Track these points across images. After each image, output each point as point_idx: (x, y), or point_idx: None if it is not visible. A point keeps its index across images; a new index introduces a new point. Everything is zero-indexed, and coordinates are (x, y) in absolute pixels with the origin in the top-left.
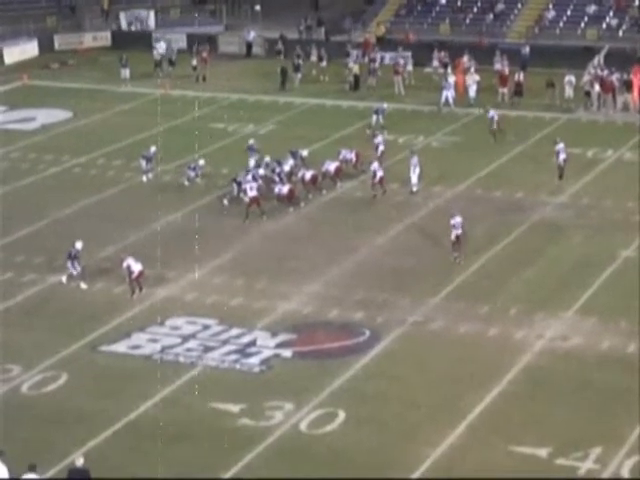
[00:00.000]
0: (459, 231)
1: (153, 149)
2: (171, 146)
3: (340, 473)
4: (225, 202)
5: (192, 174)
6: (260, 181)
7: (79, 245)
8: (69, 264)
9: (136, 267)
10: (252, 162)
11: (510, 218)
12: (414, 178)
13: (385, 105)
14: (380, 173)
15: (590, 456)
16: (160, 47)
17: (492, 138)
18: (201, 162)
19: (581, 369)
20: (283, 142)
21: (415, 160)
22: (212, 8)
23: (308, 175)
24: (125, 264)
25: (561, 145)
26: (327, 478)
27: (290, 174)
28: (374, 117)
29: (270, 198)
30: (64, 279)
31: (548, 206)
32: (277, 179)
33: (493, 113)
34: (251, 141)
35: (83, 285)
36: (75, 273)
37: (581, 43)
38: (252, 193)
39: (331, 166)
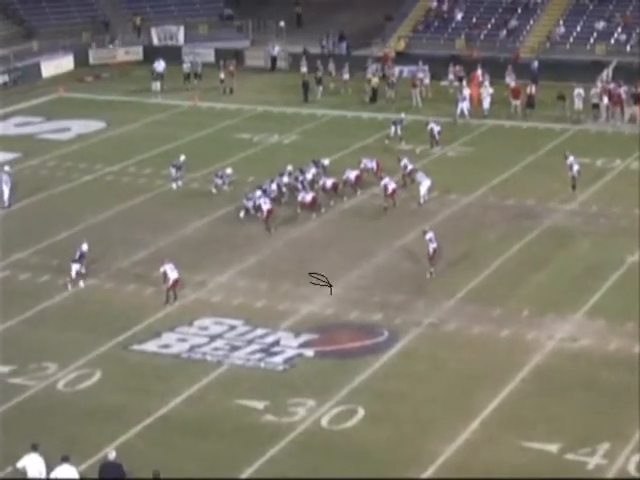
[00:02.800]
0: (434, 245)
1: (182, 158)
2: (199, 155)
3: (359, 467)
4: (241, 215)
5: (219, 182)
6: (284, 189)
7: (85, 247)
8: (77, 266)
9: (172, 275)
10: (309, 176)
11: (522, 224)
12: (422, 190)
13: (403, 115)
14: (392, 186)
15: (598, 452)
16: (187, 61)
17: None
18: (228, 171)
19: (589, 369)
20: (306, 151)
21: (421, 175)
22: (239, 24)
23: (329, 183)
24: (162, 269)
25: (572, 158)
26: (347, 478)
27: (312, 182)
28: (392, 128)
29: (294, 205)
30: (73, 274)
31: (558, 213)
32: (300, 187)
33: (433, 124)
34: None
35: (82, 284)
36: (82, 272)
37: (590, 58)
38: (266, 207)
39: (352, 174)
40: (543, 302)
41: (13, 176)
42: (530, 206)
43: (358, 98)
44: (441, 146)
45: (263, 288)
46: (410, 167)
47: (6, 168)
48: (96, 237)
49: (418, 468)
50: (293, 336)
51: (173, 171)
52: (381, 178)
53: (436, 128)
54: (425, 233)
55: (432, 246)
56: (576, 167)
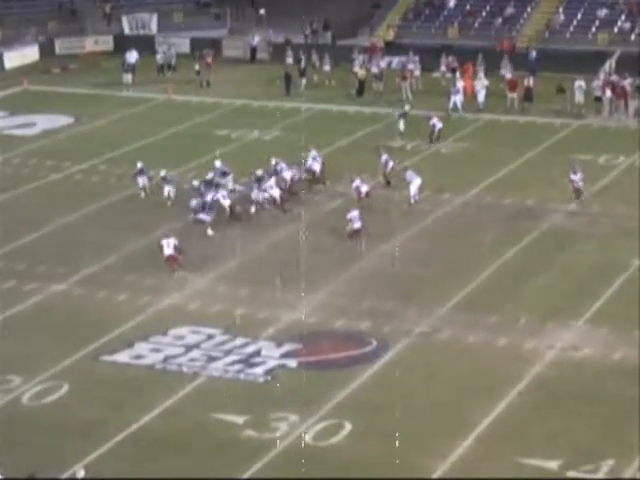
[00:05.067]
0: (357, 224)
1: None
2: (174, 152)
3: None
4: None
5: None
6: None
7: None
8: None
9: (167, 250)
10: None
11: (520, 225)
12: (412, 189)
13: (407, 107)
14: (365, 188)
15: (602, 468)
16: (161, 52)
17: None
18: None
19: (593, 380)
20: (288, 148)
21: (410, 174)
22: (216, 12)
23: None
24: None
25: (578, 175)
26: None
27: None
28: (401, 122)
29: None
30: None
31: (559, 213)
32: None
33: (435, 120)
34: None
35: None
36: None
37: (592, 48)
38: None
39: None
40: (543, 309)
41: None
42: (528, 206)
43: (344, 91)
44: (434, 143)
45: (243, 294)
46: (391, 164)
47: None
48: (64, 240)
49: None
50: (275, 346)
51: (166, 189)
52: (351, 180)
53: (438, 125)
54: (349, 211)
55: (351, 226)
56: (581, 183)
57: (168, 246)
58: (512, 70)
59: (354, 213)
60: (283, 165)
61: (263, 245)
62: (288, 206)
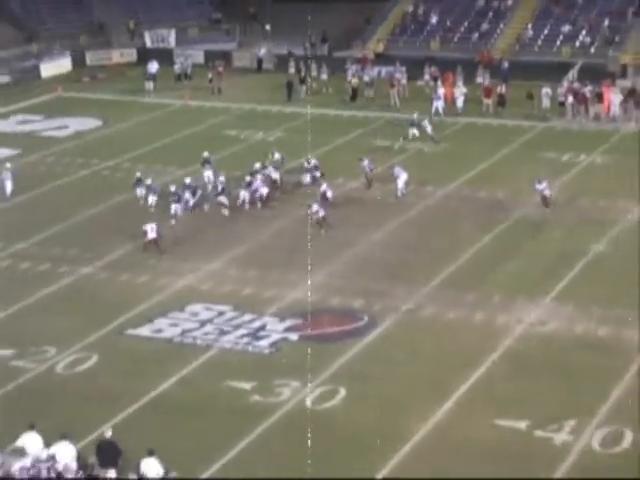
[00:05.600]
0: (322, 213)
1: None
2: (189, 151)
3: (341, 443)
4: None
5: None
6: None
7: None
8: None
9: (151, 234)
10: (209, 173)
11: (494, 215)
12: (400, 183)
13: (415, 115)
14: (330, 193)
15: (565, 428)
16: (178, 62)
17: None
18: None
19: (557, 351)
20: (290, 148)
21: (398, 170)
22: (227, 27)
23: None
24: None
25: (543, 184)
26: None
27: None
28: (411, 130)
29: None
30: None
31: (528, 205)
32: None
33: (426, 122)
34: (206, 153)
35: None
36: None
37: (557, 59)
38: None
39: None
40: (513, 288)
41: (14, 171)
42: (501, 198)
43: (339, 97)
44: (422, 142)
45: (251, 276)
46: (372, 167)
47: (7, 165)
48: (92, 228)
49: (396, 444)
50: (278, 321)
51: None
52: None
53: (429, 127)
54: (309, 207)
55: (316, 217)
56: (547, 191)
57: (152, 230)
58: (489, 78)
59: (315, 206)
60: (271, 167)
61: (267, 233)
62: (275, 203)
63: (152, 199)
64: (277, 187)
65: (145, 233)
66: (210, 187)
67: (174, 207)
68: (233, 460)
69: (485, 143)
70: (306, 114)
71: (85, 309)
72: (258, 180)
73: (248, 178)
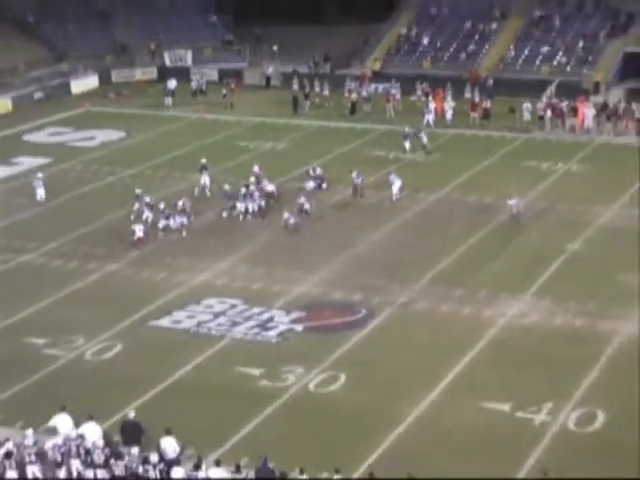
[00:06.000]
0: (293, 220)
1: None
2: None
3: (341, 424)
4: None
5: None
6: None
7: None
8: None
9: (139, 233)
10: (205, 180)
11: (480, 218)
12: (394, 189)
13: (407, 128)
14: (292, 220)
15: (543, 410)
16: (194, 80)
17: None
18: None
19: (537, 341)
20: (295, 156)
21: (393, 177)
22: (238, 48)
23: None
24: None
25: (514, 200)
26: None
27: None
28: (406, 143)
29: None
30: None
31: (511, 209)
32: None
33: (422, 134)
34: (204, 160)
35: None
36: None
37: (536, 77)
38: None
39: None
40: (498, 284)
41: (46, 178)
42: (487, 203)
43: (339, 111)
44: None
45: (259, 273)
46: (362, 178)
47: (39, 175)
48: (117, 229)
49: (391, 425)
50: (285, 313)
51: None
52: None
53: (424, 138)
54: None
55: (290, 222)
56: (515, 210)
57: (140, 230)
58: (478, 94)
59: (287, 214)
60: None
61: (274, 234)
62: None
63: (147, 215)
64: (274, 199)
65: (133, 232)
66: (207, 193)
67: (162, 223)
68: (244, 438)
69: (472, 153)
70: (310, 126)
71: (111, 302)
72: (255, 193)
73: (243, 190)
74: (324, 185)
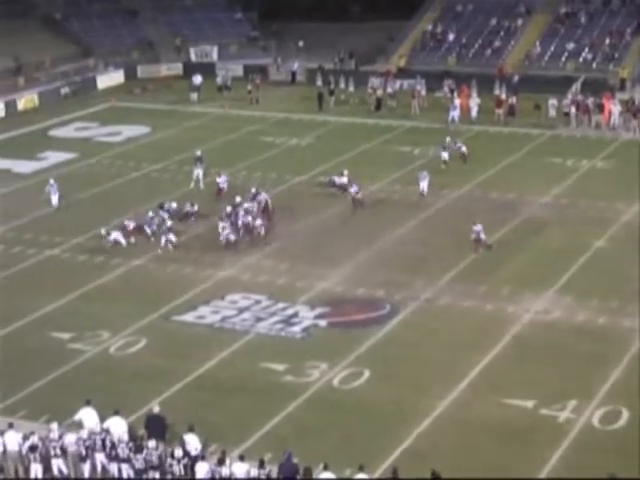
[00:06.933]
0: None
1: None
2: (229, 155)
3: (365, 420)
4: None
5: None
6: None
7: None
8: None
9: (130, 226)
10: (199, 172)
11: (503, 215)
12: (423, 185)
13: (447, 139)
14: (258, 222)
15: (567, 407)
16: (220, 75)
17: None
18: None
19: (560, 337)
20: (320, 152)
21: (425, 173)
22: (264, 44)
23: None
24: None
25: (479, 226)
26: None
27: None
28: (443, 153)
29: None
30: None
31: (534, 205)
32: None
33: (460, 144)
34: (199, 152)
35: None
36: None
37: (562, 73)
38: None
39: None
40: (521, 281)
41: (72, 173)
42: (510, 199)
43: (365, 107)
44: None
45: (284, 268)
46: (356, 188)
47: (51, 181)
48: (142, 224)
49: (414, 421)
50: (309, 309)
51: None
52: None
53: (463, 147)
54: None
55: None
56: (475, 235)
57: (130, 223)
58: (506, 91)
59: (258, 221)
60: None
61: (299, 231)
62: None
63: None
64: (269, 212)
65: (127, 226)
66: (201, 185)
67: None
68: (267, 434)
69: (496, 149)
70: (335, 122)
71: (135, 297)
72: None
73: (229, 209)
74: (352, 187)
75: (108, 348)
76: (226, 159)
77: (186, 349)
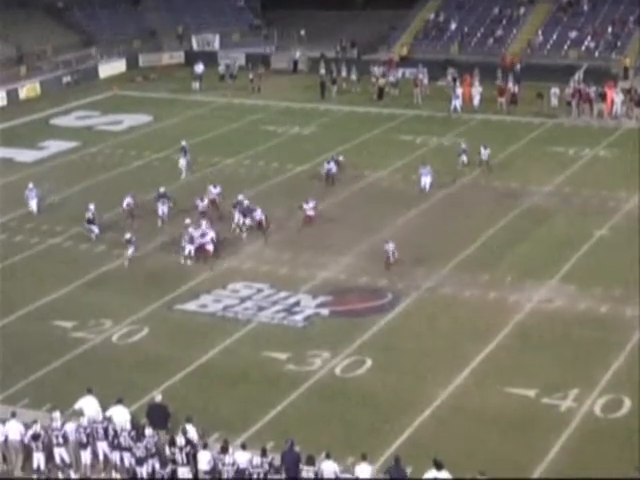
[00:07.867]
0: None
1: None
2: (232, 144)
3: (367, 409)
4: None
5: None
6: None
7: (92, 206)
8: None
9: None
10: (183, 162)
11: (506, 204)
12: (425, 182)
13: (462, 144)
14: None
15: (569, 396)
16: (223, 64)
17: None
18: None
19: (562, 326)
20: (322, 141)
21: (427, 169)
22: (266, 33)
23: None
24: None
25: (391, 245)
26: None
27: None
28: (462, 157)
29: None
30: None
31: (537, 194)
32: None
33: (482, 148)
34: (184, 142)
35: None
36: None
37: (564, 62)
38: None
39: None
40: (523, 270)
41: (73, 162)
42: (513, 188)
43: (367, 96)
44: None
45: (286, 257)
46: (312, 203)
47: (30, 185)
48: (145, 214)
49: (416, 410)
50: (311, 298)
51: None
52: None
53: (485, 152)
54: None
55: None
56: (389, 254)
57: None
58: (512, 80)
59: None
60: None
61: (300, 218)
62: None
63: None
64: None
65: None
66: (184, 174)
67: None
68: (270, 422)
69: (499, 138)
70: (337, 111)
71: (137, 286)
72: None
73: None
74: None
75: (111, 337)
76: (228, 148)
77: (188, 338)
